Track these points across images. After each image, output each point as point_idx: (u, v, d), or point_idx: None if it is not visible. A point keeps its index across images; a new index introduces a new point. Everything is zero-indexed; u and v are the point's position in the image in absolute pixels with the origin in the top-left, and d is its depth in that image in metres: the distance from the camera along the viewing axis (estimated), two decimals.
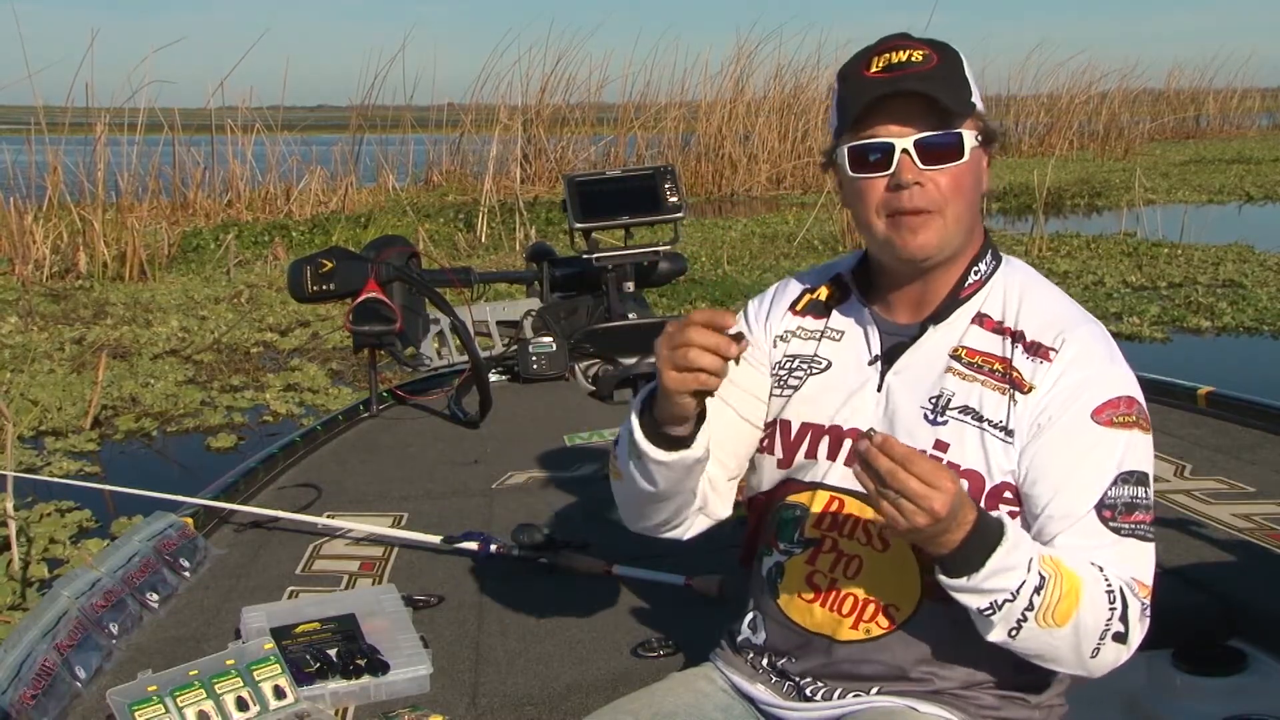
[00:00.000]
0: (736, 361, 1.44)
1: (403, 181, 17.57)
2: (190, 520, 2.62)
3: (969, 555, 1.41)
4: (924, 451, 1.54)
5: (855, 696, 1.62)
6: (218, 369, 7.47)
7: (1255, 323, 7.98)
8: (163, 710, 1.75)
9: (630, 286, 4.23)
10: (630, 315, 4.19)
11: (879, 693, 1.61)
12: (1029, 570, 1.43)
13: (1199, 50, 62.68)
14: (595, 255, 4.15)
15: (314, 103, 25.20)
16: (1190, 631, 2.16)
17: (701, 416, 1.53)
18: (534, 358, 4.05)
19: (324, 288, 3.66)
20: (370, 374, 3.88)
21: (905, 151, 1.54)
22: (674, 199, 4.19)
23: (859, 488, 1.59)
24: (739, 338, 1.43)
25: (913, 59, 1.54)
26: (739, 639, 1.75)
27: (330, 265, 3.64)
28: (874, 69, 1.55)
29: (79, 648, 2.01)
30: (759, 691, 1.70)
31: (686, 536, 1.71)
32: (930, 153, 1.54)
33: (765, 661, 1.71)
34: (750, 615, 1.73)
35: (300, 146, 16.24)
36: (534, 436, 3.47)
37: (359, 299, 3.63)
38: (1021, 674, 1.60)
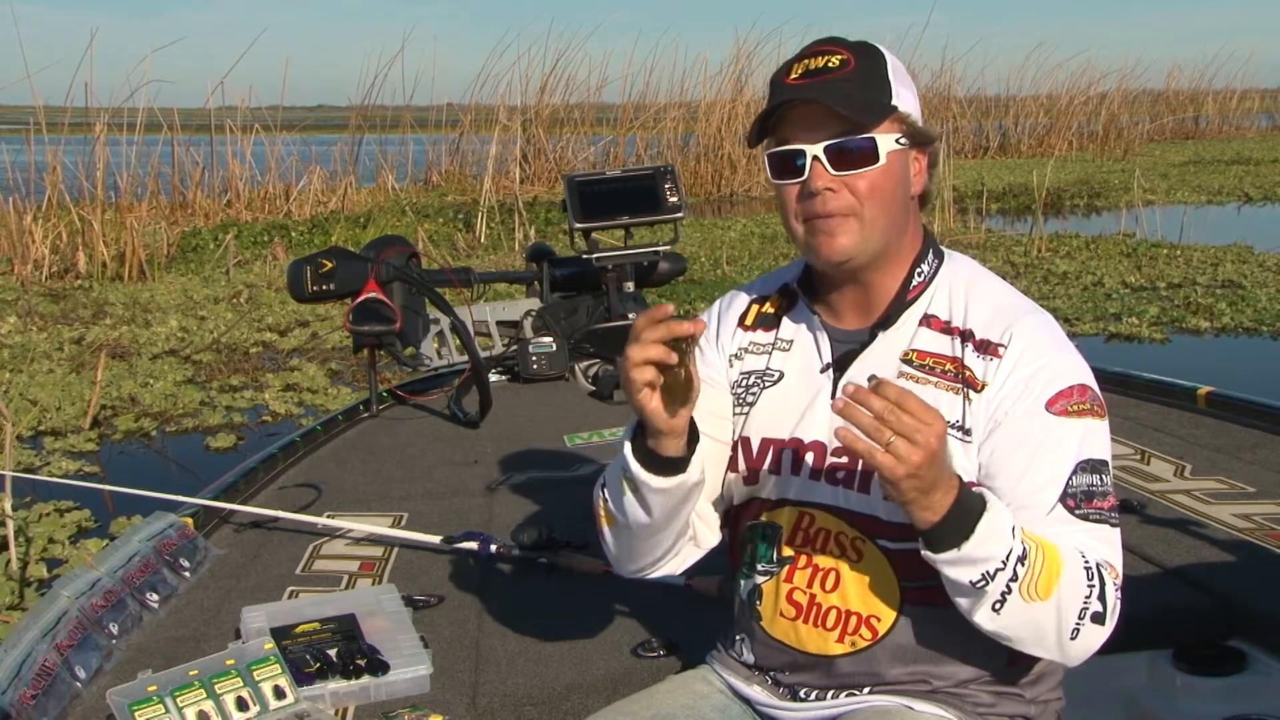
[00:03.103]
0: (691, 342, 1.43)
1: (402, 181, 17.57)
2: (190, 520, 2.62)
3: (957, 522, 1.40)
4: None
5: (850, 696, 1.63)
6: (217, 369, 7.47)
7: (1254, 323, 7.98)
8: (163, 710, 1.75)
9: (630, 286, 4.24)
10: (630, 315, 4.19)
11: (872, 692, 1.62)
12: (1014, 537, 1.42)
13: (1198, 50, 62.74)
14: (595, 255, 4.16)
15: (313, 103, 25.21)
16: (1190, 631, 2.16)
17: (694, 439, 1.53)
18: (534, 358, 4.05)
19: (324, 288, 3.66)
20: (370, 374, 3.88)
21: (816, 158, 1.54)
22: (674, 199, 4.19)
23: (826, 500, 1.61)
24: (687, 316, 1.44)
25: (829, 65, 1.55)
26: (730, 653, 1.75)
27: (330, 265, 3.65)
28: (794, 75, 1.56)
29: (79, 648, 2.00)
30: (755, 693, 1.70)
31: (680, 570, 1.71)
32: (842, 158, 1.54)
33: (759, 672, 1.71)
34: (737, 638, 1.73)
35: (300, 146, 16.24)
36: (534, 436, 3.47)
37: (359, 299, 3.63)
38: (1014, 668, 1.61)
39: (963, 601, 1.47)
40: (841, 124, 1.54)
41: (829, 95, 1.53)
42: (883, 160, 1.55)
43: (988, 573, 1.42)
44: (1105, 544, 1.52)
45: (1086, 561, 1.47)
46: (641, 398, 1.45)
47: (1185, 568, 2.32)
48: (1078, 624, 1.46)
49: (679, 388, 1.45)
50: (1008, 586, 1.42)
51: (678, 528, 1.63)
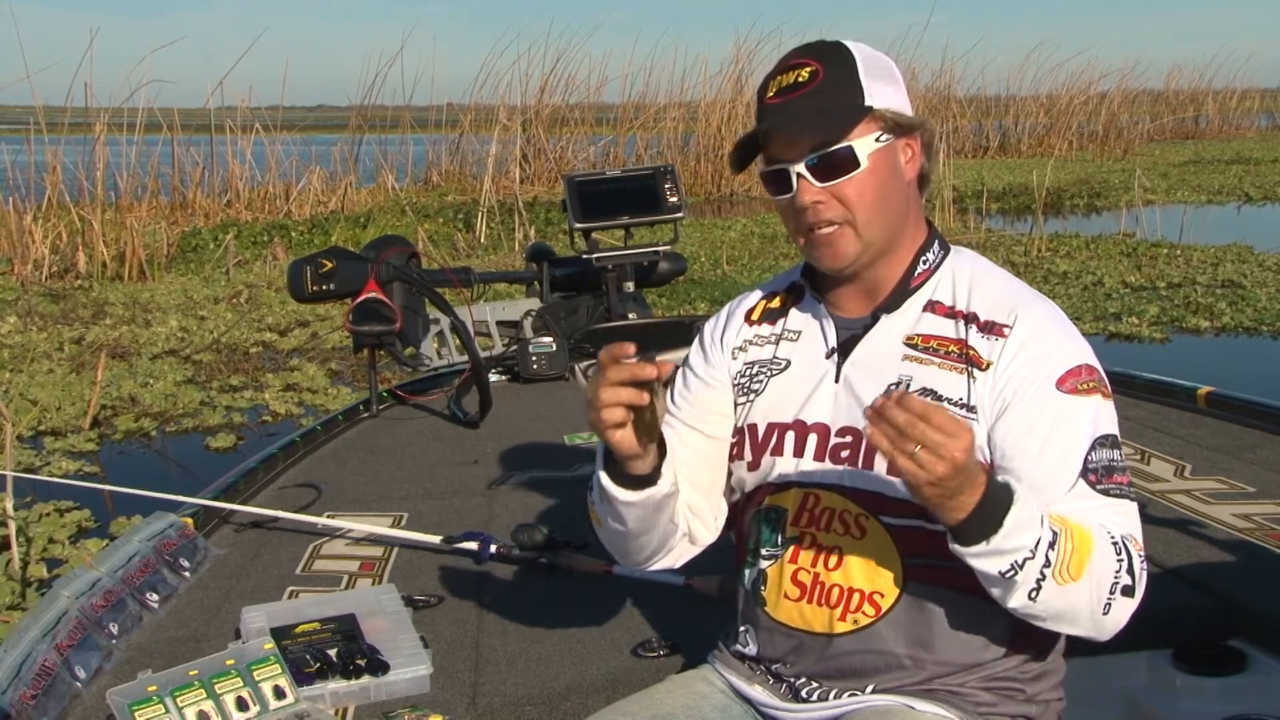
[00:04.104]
0: (666, 383, 1.48)
1: (402, 181, 17.56)
2: (190, 520, 2.62)
3: (986, 516, 1.41)
4: None
5: (851, 695, 1.63)
6: (217, 369, 7.47)
7: (1254, 323, 7.98)
8: (163, 710, 1.75)
9: (630, 286, 4.24)
10: (630, 315, 4.20)
11: (874, 690, 1.62)
12: (1042, 525, 1.44)
13: (1198, 50, 62.83)
14: (595, 255, 4.16)
15: (313, 102, 25.21)
16: (1190, 631, 2.16)
17: (662, 451, 1.57)
18: (534, 358, 4.05)
19: (324, 288, 3.66)
20: (370, 374, 3.88)
21: (800, 175, 1.58)
22: (674, 199, 4.20)
23: (830, 479, 1.63)
24: (649, 359, 1.46)
25: (799, 80, 1.58)
26: (733, 648, 1.75)
27: (330, 265, 3.65)
28: (771, 94, 1.60)
29: (79, 648, 2.00)
30: (757, 693, 1.70)
31: (677, 565, 1.76)
32: (825, 170, 1.57)
33: (761, 666, 1.71)
34: (741, 629, 1.74)
35: (300, 146, 16.23)
36: (534, 436, 3.47)
37: (359, 299, 3.63)
38: (1013, 654, 1.61)
39: (995, 590, 1.48)
40: (818, 137, 1.57)
41: (796, 118, 1.57)
42: (865, 164, 1.57)
43: (1017, 562, 1.43)
44: (1127, 517, 1.54)
45: (1113, 537, 1.49)
46: (609, 434, 1.49)
47: (1185, 568, 2.32)
48: (1109, 599, 1.49)
49: (645, 424, 1.50)
50: (1041, 573, 1.44)
51: (660, 531, 1.66)
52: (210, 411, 6.46)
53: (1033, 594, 1.45)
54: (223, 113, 15.74)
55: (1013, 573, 1.43)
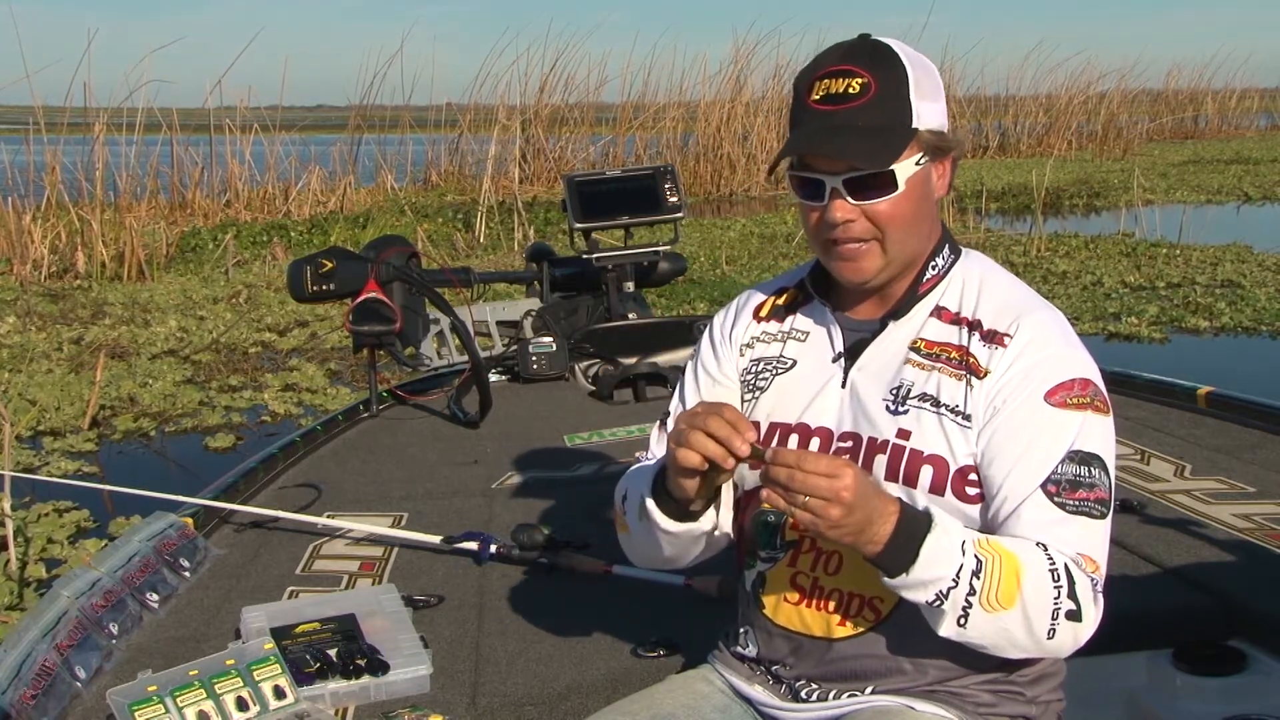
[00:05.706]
0: (747, 461, 1.49)
1: (401, 181, 17.56)
2: (190, 520, 2.62)
3: (901, 547, 1.43)
4: (885, 441, 1.58)
5: (851, 696, 1.63)
6: (216, 369, 7.47)
7: (1254, 323, 7.98)
8: (163, 710, 1.75)
9: (630, 286, 4.24)
10: (630, 315, 4.20)
11: (874, 691, 1.62)
12: (964, 553, 1.44)
13: (1198, 50, 62.86)
14: (595, 255, 4.17)
15: (312, 102, 25.19)
16: (1190, 631, 2.16)
17: (715, 495, 1.59)
18: (534, 358, 4.05)
19: (324, 288, 3.66)
20: (370, 374, 3.88)
21: (835, 189, 1.56)
22: (674, 199, 4.20)
23: None
24: (756, 453, 1.48)
25: (850, 90, 1.54)
26: (733, 649, 1.76)
27: (330, 265, 3.64)
28: (815, 95, 1.56)
29: (79, 648, 2.00)
30: (757, 693, 1.70)
31: (694, 564, 1.79)
32: (862, 189, 1.55)
33: (761, 667, 1.72)
34: (741, 630, 1.74)
35: (299, 146, 16.23)
36: (534, 436, 3.47)
37: (359, 299, 3.63)
38: (1015, 663, 1.61)
39: (930, 620, 1.49)
40: (862, 154, 1.54)
41: (843, 135, 1.53)
42: (902, 188, 1.56)
43: (941, 592, 1.44)
44: (1084, 534, 1.52)
45: (1052, 563, 1.48)
46: (678, 477, 1.53)
47: (1185, 568, 2.32)
48: (1052, 624, 1.48)
49: (710, 483, 1.54)
50: (967, 601, 1.45)
51: (689, 556, 1.70)
52: (209, 411, 6.46)
53: (961, 620, 1.46)
54: (222, 112, 15.76)
55: (938, 602, 1.45)
